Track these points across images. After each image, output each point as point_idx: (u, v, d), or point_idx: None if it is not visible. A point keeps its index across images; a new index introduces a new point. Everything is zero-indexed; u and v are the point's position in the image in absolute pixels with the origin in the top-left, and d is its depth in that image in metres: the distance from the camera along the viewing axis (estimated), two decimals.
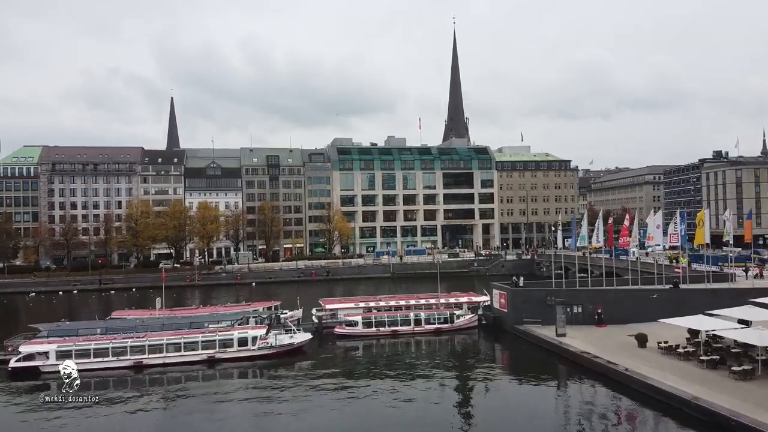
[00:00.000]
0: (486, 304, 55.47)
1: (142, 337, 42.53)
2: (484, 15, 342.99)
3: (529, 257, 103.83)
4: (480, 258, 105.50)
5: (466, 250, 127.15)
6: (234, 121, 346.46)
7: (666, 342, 39.08)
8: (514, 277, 52.85)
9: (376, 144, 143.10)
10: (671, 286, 49.56)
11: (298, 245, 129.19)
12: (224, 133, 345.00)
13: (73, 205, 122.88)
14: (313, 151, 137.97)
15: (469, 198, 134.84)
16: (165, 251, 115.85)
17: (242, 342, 42.90)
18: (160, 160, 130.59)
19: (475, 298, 57.32)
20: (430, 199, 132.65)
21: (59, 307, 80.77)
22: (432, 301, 55.64)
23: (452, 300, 56.26)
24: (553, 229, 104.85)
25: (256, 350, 42.98)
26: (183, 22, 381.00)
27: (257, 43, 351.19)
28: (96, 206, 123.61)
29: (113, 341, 42.32)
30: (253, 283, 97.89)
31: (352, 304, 54.68)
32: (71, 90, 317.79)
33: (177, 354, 41.94)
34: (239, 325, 46.78)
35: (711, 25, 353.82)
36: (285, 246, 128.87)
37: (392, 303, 55.55)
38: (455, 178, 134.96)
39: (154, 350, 41.82)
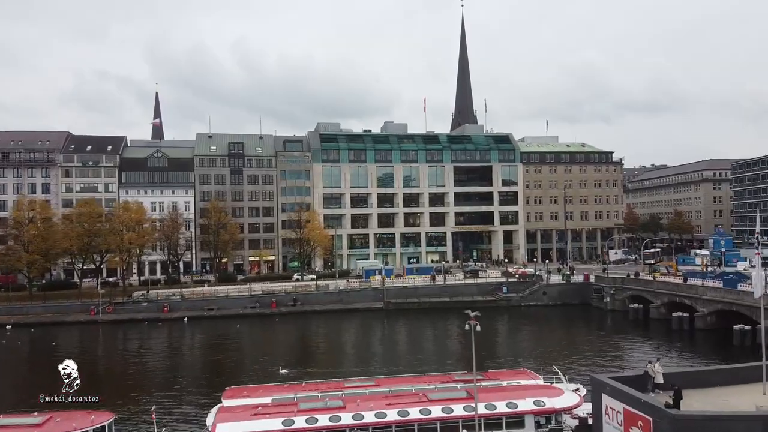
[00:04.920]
0: (582, 413, 25.22)
1: None
2: (484, 20, 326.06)
3: (581, 280, 73.18)
4: (510, 280, 75.05)
5: (485, 264, 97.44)
6: (229, 126, 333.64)
7: None
8: (648, 364, 22.85)
9: (369, 131, 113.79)
10: None
11: (267, 258, 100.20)
12: None
13: None
14: (289, 138, 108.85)
15: (488, 198, 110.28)
16: (91, 267, 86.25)
17: None
18: (89, 148, 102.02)
19: (550, 400, 26.67)
20: (437, 199, 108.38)
21: None
22: (459, 409, 25.06)
23: (500, 405, 25.72)
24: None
25: None
26: (176, 25, 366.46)
27: (250, 46, 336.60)
28: (3, 207, 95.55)
29: None
30: (185, 318, 68.52)
31: (279, 421, 24.35)
32: (64, 94, 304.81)
33: None
34: None
35: (710, 27, 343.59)
36: (251, 259, 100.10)
37: (368, 417, 25.05)
38: (469, 174, 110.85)
39: None
